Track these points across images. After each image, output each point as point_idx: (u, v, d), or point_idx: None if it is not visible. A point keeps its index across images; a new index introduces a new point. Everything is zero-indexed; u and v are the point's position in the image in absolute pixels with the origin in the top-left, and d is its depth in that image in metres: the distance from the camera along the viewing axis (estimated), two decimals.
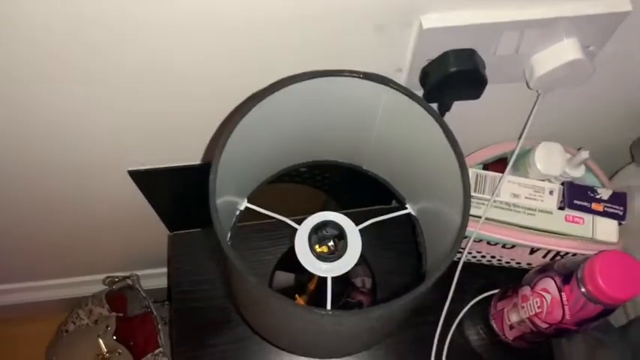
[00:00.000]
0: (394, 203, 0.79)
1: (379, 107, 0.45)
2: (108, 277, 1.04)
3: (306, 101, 0.44)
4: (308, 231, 0.49)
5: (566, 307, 0.54)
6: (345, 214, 0.76)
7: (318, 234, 0.50)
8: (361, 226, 0.50)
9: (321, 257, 0.49)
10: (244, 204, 0.53)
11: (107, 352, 0.98)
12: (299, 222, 0.50)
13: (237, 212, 0.53)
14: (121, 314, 1.02)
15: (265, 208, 0.66)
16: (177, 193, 0.75)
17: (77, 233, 0.90)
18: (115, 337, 1.00)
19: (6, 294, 1.14)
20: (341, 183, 0.79)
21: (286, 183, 0.76)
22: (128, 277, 1.03)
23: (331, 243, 0.51)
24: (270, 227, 0.77)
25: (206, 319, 0.72)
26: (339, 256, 0.49)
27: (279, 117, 0.45)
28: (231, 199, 0.50)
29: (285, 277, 0.72)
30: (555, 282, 0.55)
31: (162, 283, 1.15)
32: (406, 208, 0.56)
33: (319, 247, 0.51)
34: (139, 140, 0.62)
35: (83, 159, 0.65)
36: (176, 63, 0.50)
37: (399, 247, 0.76)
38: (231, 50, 0.49)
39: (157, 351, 1.01)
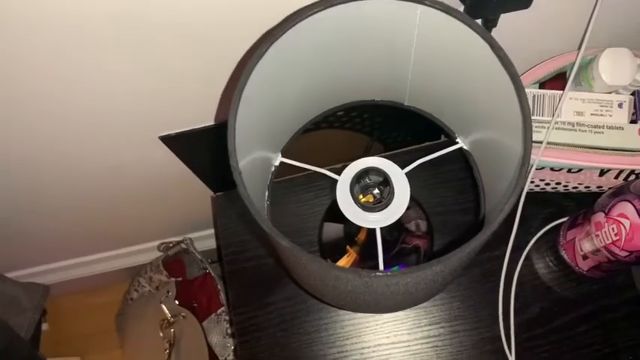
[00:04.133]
0: (443, 138, 0.73)
1: (414, 31, 0.39)
2: (162, 244, 1.04)
3: (330, 35, 0.39)
4: (349, 181, 0.45)
5: None
6: (391, 156, 0.71)
7: (360, 183, 0.46)
8: (407, 169, 0.46)
9: (366, 207, 0.44)
10: (279, 159, 0.50)
11: (171, 317, 0.99)
12: (338, 172, 0.46)
13: (273, 168, 0.49)
14: (179, 278, 1.03)
15: (305, 159, 0.62)
16: (214, 154, 0.72)
17: (124, 204, 0.89)
18: (177, 302, 1.01)
19: (72, 268, 1.17)
20: (383, 123, 0.73)
21: (324, 129, 0.71)
22: (182, 242, 1.03)
23: (376, 191, 0.47)
24: (315, 177, 0.73)
25: (259, 278, 0.70)
26: (386, 205, 0.45)
27: (300, 57, 0.40)
28: (263, 155, 0.46)
29: (333, 229, 0.69)
30: (634, 205, 0.49)
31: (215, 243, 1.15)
32: (457, 143, 0.50)
33: (363, 196, 0.47)
34: (165, 104, 0.59)
35: (114, 131, 0.63)
36: (196, 19, 0.46)
37: (453, 185, 0.70)
38: None
39: (219, 310, 1.02)
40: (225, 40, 0.50)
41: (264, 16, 0.47)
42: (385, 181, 0.45)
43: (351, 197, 0.44)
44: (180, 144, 0.67)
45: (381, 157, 0.45)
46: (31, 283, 1.08)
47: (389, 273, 0.31)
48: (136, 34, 0.47)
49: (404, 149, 0.71)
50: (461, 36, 0.37)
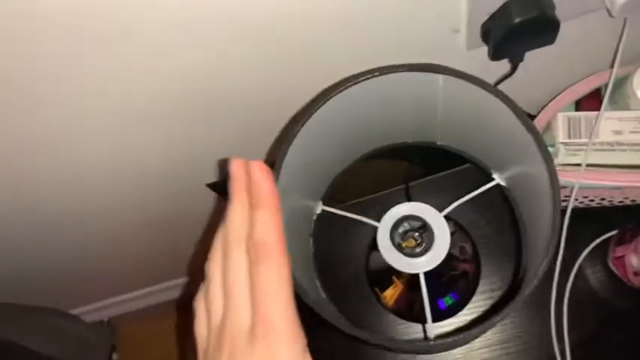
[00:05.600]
0: None
1: (439, 90, 0.40)
2: None
3: (361, 102, 0.41)
4: (388, 229, 0.46)
5: None
6: (427, 182, 0.73)
7: (399, 229, 0.47)
8: (445, 211, 0.47)
9: (408, 253, 0.46)
10: (320, 207, 0.52)
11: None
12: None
13: (315, 217, 0.51)
14: None
15: (347, 189, 0.64)
16: None
17: (181, 239, 0.94)
18: None
19: (136, 299, 1.23)
20: (421, 151, 0.74)
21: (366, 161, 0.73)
22: None
23: (416, 234, 0.49)
24: (364, 205, 0.75)
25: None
26: (428, 248, 0.46)
27: (332, 124, 0.42)
28: (304, 204, 0.48)
29: (380, 258, 0.70)
30: None
31: None
32: (493, 179, 0.51)
33: (404, 241, 0.48)
34: (210, 155, 0.63)
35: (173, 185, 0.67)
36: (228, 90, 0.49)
37: (500, 205, 0.70)
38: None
39: None
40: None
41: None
42: (424, 225, 0.47)
43: (391, 244, 0.46)
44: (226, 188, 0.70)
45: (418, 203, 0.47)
46: (98, 323, 1.14)
47: (436, 344, 0.33)
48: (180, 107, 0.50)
49: (441, 174, 0.72)
50: (479, 95, 0.38)
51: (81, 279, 1.01)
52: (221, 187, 0.69)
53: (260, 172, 0.32)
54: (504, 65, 0.51)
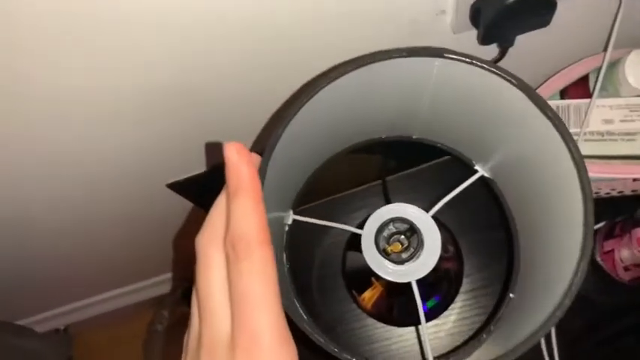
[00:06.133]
0: None
1: (431, 77, 0.35)
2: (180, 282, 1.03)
3: (339, 101, 0.36)
4: (373, 235, 0.42)
5: None
6: (407, 176, 0.69)
7: (383, 232, 0.43)
8: (432, 211, 0.42)
9: (395, 260, 0.41)
10: (290, 217, 0.46)
11: None
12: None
13: (286, 228, 0.46)
14: None
15: (316, 185, 0.59)
16: None
17: (142, 240, 0.87)
18: None
19: (93, 305, 1.16)
20: (397, 145, 0.70)
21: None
22: None
23: (402, 237, 0.44)
24: (335, 204, 0.70)
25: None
26: (417, 253, 0.42)
27: (307, 129, 0.37)
28: (275, 216, 0.43)
29: (357, 258, 0.66)
30: None
31: None
32: (476, 171, 0.46)
33: (389, 245, 0.44)
34: (169, 155, 0.57)
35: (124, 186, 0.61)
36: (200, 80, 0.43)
37: (476, 202, 0.67)
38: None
39: None
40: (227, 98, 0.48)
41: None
42: (411, 228, 0.42)
43: (378, 252, 0.41)
44: (189, 189, 0.64)
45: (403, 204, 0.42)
46: (53, 333, 1.06)
47: None
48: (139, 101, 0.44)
49: (419, 167, 0.68)
50: (481, 77, 0.33)
51: (33, 285, 0.94)
52: (182, 188, 0.63)
53: (238, 154, 0.26)
54: (493, 50, 0.47)
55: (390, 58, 0.32)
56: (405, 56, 0.31)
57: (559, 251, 0.35)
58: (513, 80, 0.31)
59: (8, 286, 0.88)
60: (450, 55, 0.31)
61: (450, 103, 0.40)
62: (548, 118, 0.32)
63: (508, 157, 0.42)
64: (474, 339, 0.39)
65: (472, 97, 0.38)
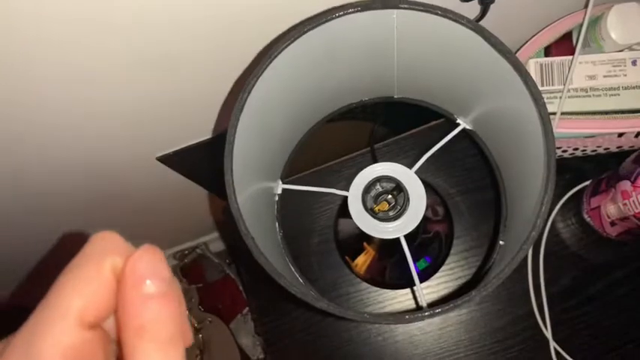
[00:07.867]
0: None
1: (393, 31, 0.35)
2: (177, 252, 1.03)
3: (307, 59, 0.36)
4: (359, 195, 0.42)
5: None
6: (394, 142, 0.69)
7: (371, 192, 0.43)
8: (415, 167, 0.43)
9: (383, 218, 0.42)
10: (280, 186, 0.47)
11: (198, 324, 0.98)
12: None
13: (276, 197, 0.47)
14: (200, 284, 1.02)
15: (309, 157, 0.59)
16: (215, 164, 0.70)
17: (136, 219, 0.87)
18: (201, 308, 1.01)
19: None
20: (383, 109, 0.70)
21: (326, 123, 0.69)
22: (197, 247, 1.02)
23: (389, 196, 0.45)
24: (325, 173, 0.70)
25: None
26: (404, 210, 0.42)
27: (282, 85, 0.37)
28: (263, 186, 0.44)
29: (349, 225, 0.67)
30: None
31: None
32: (458, 125, 0.47)
33: (377, 204, 0.44)
34: (157, 127, 0.57)
35: (114, 159, 0.61)
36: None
37: (465, 163, 0.67)
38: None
39: (245, 310, 1.01)
40: (212, 61, 0.47)
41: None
42: (397, 186, 0.43)
43: (365, 211, 0.42)
44: (179, 161, 0.64)
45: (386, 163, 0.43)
46: None
47: (422, 314, 0.29)
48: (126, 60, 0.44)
49: (409, 132, 0.69)
50: (446, 29, 0.33)
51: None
52: (174, 161, 0.64)
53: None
54: (474, 8, 0.47)
55: (346, 14, 0.32)
56: (361, 10, 0.31)
57: (534, 187, 0.35)
58: (468, 23, 0.31)
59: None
60: (405, 5, 0.31)
61: (419, 59, 0.40)
62: (500, 52, 0.32)
63: (486, 108, 0.43)
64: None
65: (439, 50, 0.38)
